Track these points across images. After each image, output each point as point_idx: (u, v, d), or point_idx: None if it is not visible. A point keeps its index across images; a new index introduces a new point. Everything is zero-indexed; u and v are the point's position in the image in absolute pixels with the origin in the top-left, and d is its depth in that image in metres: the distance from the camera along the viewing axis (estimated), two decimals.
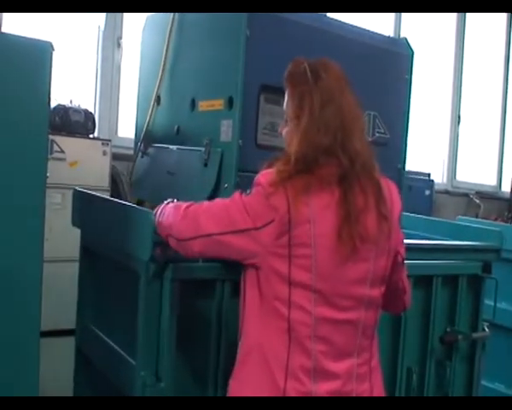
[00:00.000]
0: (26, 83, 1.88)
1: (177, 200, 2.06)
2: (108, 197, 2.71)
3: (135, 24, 4.18)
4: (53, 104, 3.93)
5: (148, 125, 2.84)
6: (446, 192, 7.13)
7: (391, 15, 6.82)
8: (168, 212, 1.98)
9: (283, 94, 2.40)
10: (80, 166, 3.91)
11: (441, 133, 7.57)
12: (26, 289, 2.02)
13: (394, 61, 2.83)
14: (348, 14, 6.08)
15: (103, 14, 4.39)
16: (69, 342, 3.07)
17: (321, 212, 1.79)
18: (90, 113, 4.05)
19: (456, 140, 7.61)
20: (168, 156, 2.69)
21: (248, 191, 1.83)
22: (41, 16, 4.21)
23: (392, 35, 6.70)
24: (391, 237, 1.91)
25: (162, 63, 2.74)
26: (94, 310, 2.75)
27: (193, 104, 2.55)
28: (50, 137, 3.71)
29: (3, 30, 3.62)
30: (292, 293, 1.81)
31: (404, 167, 2.87)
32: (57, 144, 3.80)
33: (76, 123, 3.96)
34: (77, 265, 2.86)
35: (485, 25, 7.87)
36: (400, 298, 2.14)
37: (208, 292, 2.23)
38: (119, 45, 4.32)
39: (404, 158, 2.89)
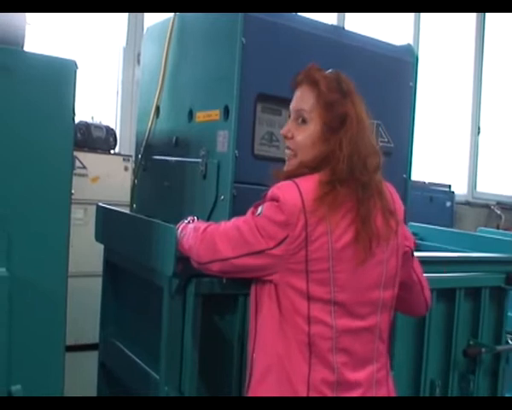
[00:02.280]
0: (51, 100, 1.88)
1: (197, 218, 2.10)
2: (131, 213, 2.64)
3: None
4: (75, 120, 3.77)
5: (147, 138, 2.72)
6: (467, 203, 6.87)
7: (410, 24, 6.53)
8: (188, 233, 1.99)
9: (281, 103, 2.22)
10: (102, 181, 3.81)
11: (461, 144, 7.25)
12: (50, 304, 1.97)
13: (398, 69, 2.68)
14: (365, 14, 5.93)
15: (125, 32, 4.23)
16: (93, 357, 3.02)
17: (339, 222, 1.73)
18: (112, 129, 3.93)
19: (476, 151, 7.31)
20: (168, 169, 2.58)
21: (262, 207, 1.78)
22: (64, 35, 4.09)
23: (411, 41, 6.55)
24: (398, 232, 1.87)
25: (161, 74, 2.63)
26: (117, 325, 2.73)
27: (190, 115, 2.44)
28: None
29: (28, 48, 3.48)
30: (311, 308, 1.74)
31: (409, 177, 2.67)
32: (79, 160, 3.71)
33: (98, 139, 3.84)
34: (99, 279, 2.86)
35: (505, 34, 7.52)
36: (419, 294, 2.07)
37: (231, 306, 2.21)
38: (138, 62, 4.16)
39: (410, 167, 2.69)
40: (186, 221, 2.11)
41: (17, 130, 1.86)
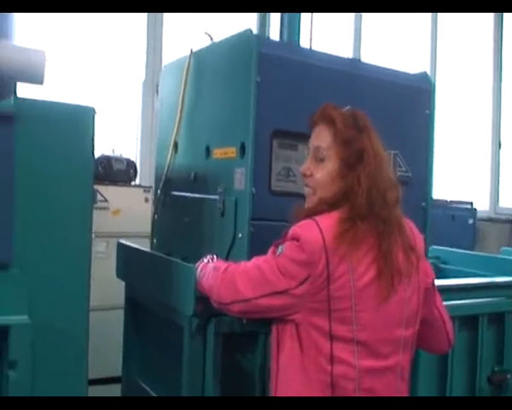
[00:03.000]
0: (72, 145, 1.96)
1: (216, 255, 2.09)
2: (151, 251, 2.63)
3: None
4: (96, 155, 3.81)
5: (166, 173, 2.71)
6: (490, 220, 6.77)
7: (427, 34, 6.51)
8: (208, 273, 1.98)
9: (297, 138, 2.20)
10: (123, 213, 3.84)
11: (482, 160, 7.17)
12: (72, 344, 1.99)
13: (414, 97, 2.64)
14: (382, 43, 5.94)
15: (143, 67, 4.27)
16: (116, 391, 3.00)
17: (360, 259, 1.72)
18: (132, 161, 3.96)
19: (498, 166, 7.22)
20: (187, 205, 2.57)
21: (282, 246, 1.78)
22: (85, 71, 4.14)
23: (428, 63, 6.52)
24: (419, 268, 1.86)
25: (179, 111, 2.62)
26: (139, 362, 2.72)
27: (208, 151, 2.43)
28: (94, 186, 3.60)
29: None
30: (334, 347, 1.72)
31: (428, 206, 2.61)
32: (100, 194, 3.73)
33: (118, 171, 3.87)
34: (121, 312, 2.86)
35: None
36: (440, 330, 2.03)
37: (251, 344, 2.18)
38: (157, 92, 4.15)
39: (429, 196, 2.66)
40: (205, 260, 2.10)
41: (39, 173, 1.90)
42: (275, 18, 3.27)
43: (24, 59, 3.29)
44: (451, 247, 4.63)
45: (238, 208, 2.19)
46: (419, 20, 6.62)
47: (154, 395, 2.46)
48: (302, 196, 1.95)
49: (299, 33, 2.69)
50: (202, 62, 2.52)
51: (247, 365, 2.22)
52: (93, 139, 1.97)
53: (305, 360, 1.76)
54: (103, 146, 4.06)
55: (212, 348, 2.11)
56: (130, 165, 3.99)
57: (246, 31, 2.20)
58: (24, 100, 1.90)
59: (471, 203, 6.66)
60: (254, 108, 2.13)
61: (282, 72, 2.24)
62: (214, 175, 2.37)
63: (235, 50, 2.26)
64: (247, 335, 2.15)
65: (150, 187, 3.87)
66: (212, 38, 2.55)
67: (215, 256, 2.12)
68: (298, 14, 2.65)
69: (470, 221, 6.43)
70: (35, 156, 1.88)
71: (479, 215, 6.63)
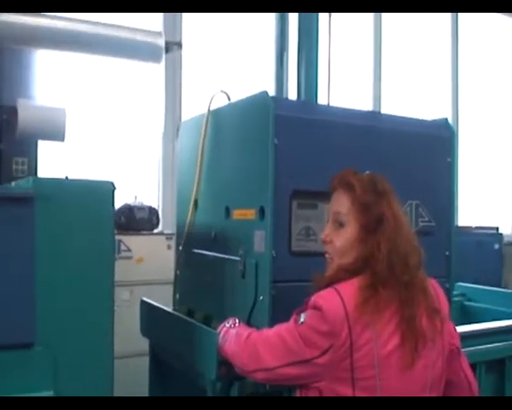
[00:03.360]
0: (93, 221, 1.98)
1: (239, 321, 2.11)
2: (174, 312, 2.59)
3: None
4: (119, 204, 3.87)
5: (187, 231, 2.69)
6: None
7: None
8: (230, 339, 2.00)
9: (317, 197, 2.18)
10: (146, 261, 3.84)
11: (506, 184, 7.08)
12: (98, 385, 1.99)
13: (435, 146, 2.61)
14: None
15: (163, 112, 4.30)
16: None
17: (384, 327, 1.71)
18: (154, 208, 3.97)
19: None
20: (208, 264, 2.56)
21: (304, 315, 1.77)
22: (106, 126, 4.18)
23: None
24: (443, 332, 1.83)
25: (198, 169, 2.62)
26: None
27: (227, 212, 2.42)
28: (117, 237, 3.68)
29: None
30: None
31: (452, 255, 2.53)
32: (124, 243, 3.74)
33: (141, 220, 3.89)
34: (146, 359, 2.86)
35: None
36: (466, 392, 1.98)
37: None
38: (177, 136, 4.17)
39: (452, 244, 2.58)
40: (228, 325, 2.10)
41: (60, 251, 1.91)
42: (292, 74, 3.26)
43: (45, 118, 3.37)
44: (478, 273, 4.56)
45: (259, 271, 2.17)
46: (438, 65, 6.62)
47: None
48: (323, 255, 1.93)
49: (316, 89, 2.68)
50: (220, 121, 2.52)
51: None
52: (113, 214, 1.99)
53: None
54: (126, 194, 4.08)
55: None
56: (153, 212, 4.00)
57: (262, 93, 2.19)
58: (42, 180, 1.93)
59: (497, 228, 6.58)
60: (272, 172, 2.12)
61: (299, 132, 2.23)
62: (234, 236, 2.35)
63: (252, 113, 2.25)
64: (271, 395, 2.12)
65: (172, 234, 3.88)
66: (229, 98, 2.55)
67: (237, 320, 2.12)
68: (315, 67, 2.65)
69: (496, 246, 6.36)
70: (55, 235, 1.90)
71: (505, 240, 6.53)
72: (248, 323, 2.18)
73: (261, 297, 2.14)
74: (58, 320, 1.88)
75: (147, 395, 2.79)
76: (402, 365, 1.71)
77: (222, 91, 2.57)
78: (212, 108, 2.57)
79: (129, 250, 3.82)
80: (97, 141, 4.24)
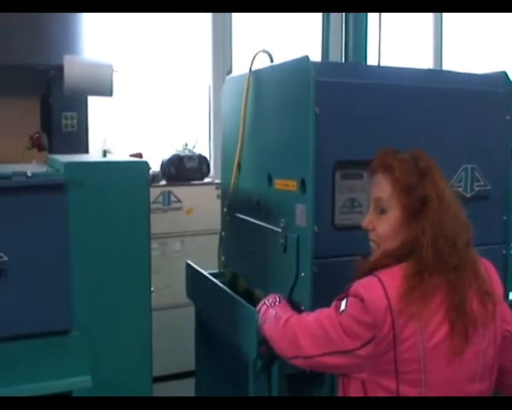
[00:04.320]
0: (127, 202, 1.91)
1: (279, 299, 2.03)
2: (216, 282, 2.47)
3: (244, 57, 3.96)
4: (169, 153, 3.79)
5: (231, 194, 2.59)
6: None
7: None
8: (269, 320, 1.92)
9: (362, 166, 2.03)
10: (196, 211, 3.77)
11: None
12: (136, 369, 1.96)
13: (491, 103, 2.36)
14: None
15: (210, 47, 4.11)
16: (184, 385, 3.12)
17: (431, 317, 1.59)
18: (204, 157, 3.86)
19: None
20: (251, 231, 2.45)
21: (345, 303, 1.66)
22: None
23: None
24: (496, 317, 1.69)
25: (240, 133, 2.48)
26: (210, 384, 2.68)
27: (269, 180, 2.28)
28: (167, 188, 3.61)
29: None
30: None
31: (509, 219, 2.40)
32: (174, 194, 3.68)
33: (191, 169, 3.79)
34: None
35: None
36: None
37: (318, 381, 2.11)
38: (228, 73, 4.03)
39: (510, 208, 2.40)
40: (268, 303, 2.02)
41: (94, 234, 1.86)
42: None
43: (91, 73, 3.27)
44: None
45: (300, 246, 2.05)
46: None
47: None
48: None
49: (365, 49, 2.45)
50: (261, 84, 2.35)
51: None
52: (148, 193, 1.89)
53: None
54: (176, 142, 4.00)
55: (276, 388, 2.05)
56: (203, 162, 3.90)
57: (302, 57, 2.01)
58: (74, 165, 1.84)
59: None
60: (314, 143, 1.96)
61: (344, 98, 2.06)
62: (277, 206, 2.23)
63: (292, 79, 2.08)
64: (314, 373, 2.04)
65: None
66: (271, 59, 2.38)
67: (277, 299, 2.03)
68: (364, 24, 2.42)
69: None
70: (90, 219, 1.84)
71: None
72: (290, 299, 2.08)
73: (302, 274, 2.03)
74: (95, 305, 1.85)
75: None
76: (450, 355, 1.60)
77: (264, 51, 2.40)
78: (255, 68, 2.41)
79: (179, 201, 3.75)
80: (147, 92, 4.12)
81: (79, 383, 1.78)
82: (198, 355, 2.75)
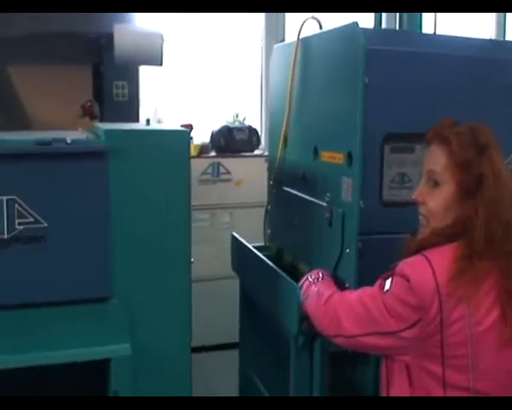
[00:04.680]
0: (168, 171, 1.84)
1: (322, 275, 1.94)
2: (260, 255, 2.40)
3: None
4: (219, 124, 3.74)
5: (277, 167, 2.52)
6: None
7: None
8: (311, 297, 1.86)
9: (413, 139, 1.93)
10: (245, 184, 3.71)
11: None
12: (176, 362, 1.91)
13: None
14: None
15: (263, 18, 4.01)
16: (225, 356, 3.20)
17: (480, 302, 1.51)
18: (254, 129, 3.79)
19: None
20: (296, 205, 2.37)
21: (390, 282, 1.58)
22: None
23: None
24: None
25: (287, 105, 2.39)
26: (254, 358, 2.63)
27: (316, 152, 2.20)
28: (216, 160, 3.58)
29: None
30: (448, 395, 1.54)
31: None
32: (223, 166, 3.62)
33: (240, 141, 3.73)
34: None
35: None
36: None
37: (362, 359, 2.04)
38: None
39: None
40: (310, 279, 1.95)
41: (135, 203, 1.82)
42: None
43: (141, 42, 3.23)
44: None
45: (345, 222, 1.96)
46: None
47: (267, 394, 2.37)
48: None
49: (421, 16, 2.31)
50: (309, 52, 2.25)
51: (359, 379, 2.09)
52: (189, 163, 1.84)
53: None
54: (227, 113, 3.94)
55: (318, 366, 1.99)
56: (253, 133, 3.84)
57: (351, 24, 1.91)
58: (115, 132, 1.79)
59: None
60: (362, 114, 1.86)
61: (396, 67, 1.94)
62: (322, 179, 2.15)
63: (341, 47, 1.98)
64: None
65: None
66: (321, 26, 2.28)
67: (320, 274, 1.96)
68: None
69: None
70: (130, 188, 1.80)
71: None
72: (334, 275, 2.01)
73: (347, 250, 1.95)
74: (134, 274, 1.81)
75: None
76: (500, 342, 1.50)
77: (313, 18, 2.30)
78: (303, 36, 2.31)
79: (228, 173, 3.72)
80: (198, 62, 4.07)
81: (119, 350, 1.75)
82: (242, 328, 2.72)
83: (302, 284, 1.96)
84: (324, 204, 2.08)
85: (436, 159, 1.62)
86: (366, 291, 1.66)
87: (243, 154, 3.79)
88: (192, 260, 1.88)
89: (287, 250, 2.49)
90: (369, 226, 1.93)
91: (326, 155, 2.12)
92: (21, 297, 1.71)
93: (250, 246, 2.49)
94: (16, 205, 1.68)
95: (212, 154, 3.77)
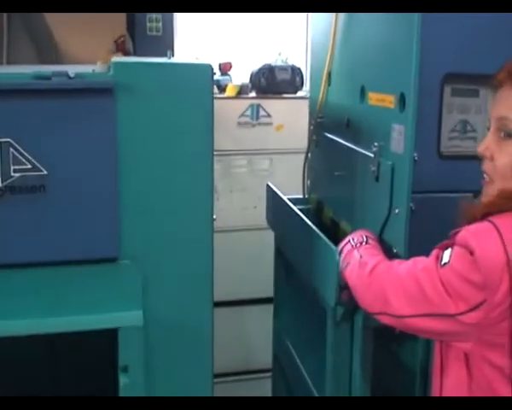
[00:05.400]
0: (188, 111, 1.54)
1: (366, 238, 1.67)
2: (295, 210, 2.09)
3: None
4: (259, 63, 3.41)
5: (319, 110, 2.22)
6: None
7: None
8: (353, 265, 1.58)
9: (478, 80, 1.61)
10: (287, 128, 3.42)
11: None
12: (196, 333, 1.65)
13: None
14: None
15: None
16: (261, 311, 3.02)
17: None
18: (298, 68, 3.45)
19: None
20: (339, 154, 2.08)
21: (450, 253, 1.27)
22: None
23: None
24: None
25: (331, 37, 2.08)
26: (288, 318, 2.40)
27: (362, 93, 1.88)
28: (256, 101, 3.27)
29: None
30: None
31: None
32: (263, 108, 3.33)
33: (282, 82, 3.39)
34: None
35: None
36: None
37: (411, 340, 1.78)
38: None
39: None
40: (353, 242, 1.67)
41: (148, 147, 1.53)
42: None
43: None
44: None
45: (395, 177, 1.66)
46: None
47: (300, 366, 2.13)
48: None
49: None
50: None
51: (406, 357, 1.83)
52: (211, 101, 1.55)
53: (475, 394, 1.31)
54: (269, 52, 3.61)
55: (359, 342, 1.73)
56: (296, 73, 3.49)
57: None
58: (125, 65, 1.49)
59: None
60: (418, 50, 1.53)
61: None
62: (369, 125, 1.84)
63: None
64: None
65: None
66: None
67: (364, 237, 1.67)
68: None
69: None
70: (142, 132, 1.50)
71: None
72: (380, 238, 1.72)
73: (397, 210, 1.65)
74: (147, 231, 1.54)
75: None
76: None
77: None
78: None
79: (268, 116, 3.40)
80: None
81: (128, 318, 1.53)
82: (277, 288, 2.47)
83: (343, 248, 1.68)
84: (371, 155, 1.77)
85: (508, 103, 1.29)
86: (419, 263, 1.37)
87: (285, 95, 3.45)
88: (214, 216, 1.61)
89: (327, 205, 2.20)
90: (423, 183, 1.62)
91: (374, 98, 1.80)
92: (18, 255, 1.47)
93: (285, 198, 2.20)
94: (11, 149, 1.43)
95: (252, 95, 3.46)
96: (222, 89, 3.45)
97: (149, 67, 1.50)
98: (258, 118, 3.39)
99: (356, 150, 1.90)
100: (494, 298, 1.20)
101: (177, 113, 1.52)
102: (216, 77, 3.57)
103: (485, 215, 1.29)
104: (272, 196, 2.34)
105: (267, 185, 2.41)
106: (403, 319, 1.37)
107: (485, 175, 1.36)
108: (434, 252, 1.35)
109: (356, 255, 1.59)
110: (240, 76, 3.59)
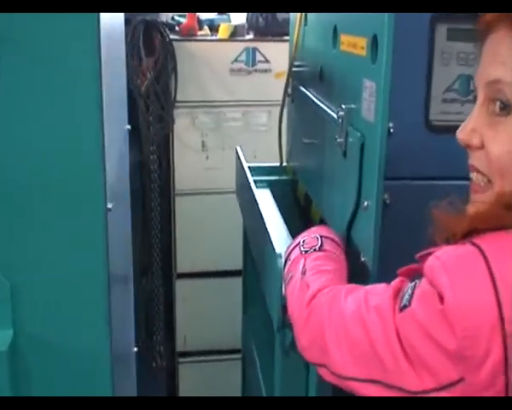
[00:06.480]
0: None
1: (320, 244, 1.16)
2: (254, 190, 1.59)
3: None
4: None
5: (294, 58, 1.75)
6: None
7: None
8: (295, 282, 1.10)
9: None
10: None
11: None
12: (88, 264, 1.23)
13: None
14: None
15: None
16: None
17: None
18: None
19: None
20: (311, 115, 1.57)
21: (411, 291, 0.81)
22: None
23: None
24: None
25: None
26: (254, 318, 1.99)
27: (335, 36, 1.37)
28: (253, 44, 2.78)
29: None
30: None
31: None
32: (260, 52, 2.84)
33: (284, 22, 2.86)
34: None
35: None
36: None
37: None
38: None
39: None
40: (302, 247, 1.17)
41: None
42: None
43: None
44: None
45: (365, 155, 1.16)
46: None
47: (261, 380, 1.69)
48: None
49: None
50: None
51: None
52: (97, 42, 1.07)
53: None
54: None
55: (314, 388, 1.26)
56: None
57: None
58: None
59: None
60: None
61: None
62: (340, 76, 1.33)
63: None
64: None
65: None
66: None
67: (319, 240, 1.18)
68: None
69: None
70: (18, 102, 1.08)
71: None
72: (347, 238, 1.24)
73: (366, 203, 1.15)
74: (23, 240, 1.11)
75: None
76: None
77: None
78: None
79: (266, 61, 2.88)
80: None
81: None
82: (245, 275, 2.01)
83: (290, 254, 1.19)
84: (339, 121, 1.26)
85: (504, 56, 0.78)
86: (373, 296, 0.88)
87: (286, 38, 2.92)
88: (109, 205, 1.15)
89: (301, 179, 1.71)
90: (402, 165, 1.12)
91: (346, 41, 1.28)
92: None
93: (246, 168, 1.71)
94: None
95: (249, 37, 2.94)
96: (214, 29, 2.95)
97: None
98: (254, 64, 2.88)
99: (327, 112, 1.39)
100: (477, 377, 0.72)
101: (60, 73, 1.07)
102: (211, 16, 3.08)
103: (469, 233, 0.79)
104: (238, 164, 1.86)
105: (236, 150, 1.93)
106: (346, 381, 0.90)
107: (473, 174, 0.85)
108: (392, 284, 0.87)
109: (299, 269, 1.11)
110: (238, 17, 3.08)
